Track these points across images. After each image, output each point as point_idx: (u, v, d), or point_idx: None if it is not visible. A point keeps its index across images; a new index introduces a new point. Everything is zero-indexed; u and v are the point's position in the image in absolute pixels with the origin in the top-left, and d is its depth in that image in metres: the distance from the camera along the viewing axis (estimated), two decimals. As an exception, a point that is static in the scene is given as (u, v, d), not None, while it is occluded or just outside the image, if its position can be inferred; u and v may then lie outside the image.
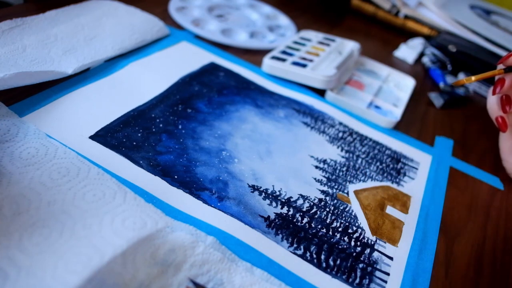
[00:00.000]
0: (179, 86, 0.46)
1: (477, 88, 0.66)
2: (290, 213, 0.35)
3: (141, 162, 0.35)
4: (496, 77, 0.43)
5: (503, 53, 0.70)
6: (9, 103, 0.37)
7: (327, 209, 0.36)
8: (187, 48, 0.53)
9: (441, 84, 0.62)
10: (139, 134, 0.38)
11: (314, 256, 0.32)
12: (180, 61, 0.50)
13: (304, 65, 0.52)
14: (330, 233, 0.34)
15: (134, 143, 0.37)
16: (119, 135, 0.37)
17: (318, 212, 0.36)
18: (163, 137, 0.39)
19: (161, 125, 0.40)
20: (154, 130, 0.39)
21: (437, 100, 0.58)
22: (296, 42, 0.59)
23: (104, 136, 0.36)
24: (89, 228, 0.27)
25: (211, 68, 0.51)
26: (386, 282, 0.32)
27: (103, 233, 0.26)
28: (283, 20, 0.69)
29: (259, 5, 0.71)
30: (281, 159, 0.40)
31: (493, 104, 0.44)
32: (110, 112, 0.39)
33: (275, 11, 0.71)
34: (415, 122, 0.53)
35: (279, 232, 0.33)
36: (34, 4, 0.52)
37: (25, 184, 0.29)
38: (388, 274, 0.32)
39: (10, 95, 0.37)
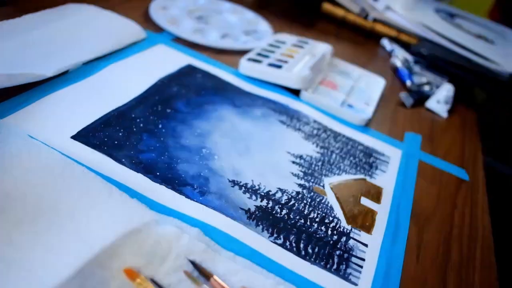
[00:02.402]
0: (158, 87, 0.47)
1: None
2: (270, 205, 0.36)
3: (123, 160, 0.36)
4: None
5: (469, 55, 0.74)
6: (-11, 105, 0.37)
7: (305, 201, 0.38)
8: (164, 51, 0.54)
9: (408, 82, 0.65)
10: (120, 134, 0.39)
11: (294, 245, 0.34)
12: (158, 63, 0.51)
13: (279, 66, 0.54)
14: (308, 223, 0.36)
15: (116, 142, 0.38)
16: (100, 135, 0.38)
17: (296, 204, 0.37)
18: (144, 136, 0.39)
19: (141, 125, 0.41)
20: (135, 129, 0.40)
21: (407, 100, 0.61)
22: (271, 45, 0.61)
23: (85, 136, 0.37)
24: (77, 222, 0.27)
25: (189, 70, 0.52)
26: (362, 267, 0.34)
27: (90, 227, 0.27)
28: (263, 25, 0.71)
29: (243, 11, 0.73)
30: (259, 155, 0.42)
31: None
32: (90, 112, 0.40)
33: (257, 17, 0.73)
34: (385, 119, 0.56)
35: (259, 223, 0.34)
36: (11, 8, 0.52)
37: (10, 183, 0.30)
38: (363, 259, 0.34)
39: (-10, 98, 0.37)
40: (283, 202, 0.37)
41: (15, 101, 0.38)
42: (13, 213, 0.28)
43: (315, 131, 0.48)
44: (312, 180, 0.41)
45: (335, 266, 0.33)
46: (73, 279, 0.25)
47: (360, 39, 0.81)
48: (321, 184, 0.41)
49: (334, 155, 0.45)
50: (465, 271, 0.37)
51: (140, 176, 0.35)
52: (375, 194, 0.42)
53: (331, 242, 0.35)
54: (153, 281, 0.27)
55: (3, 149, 0.32)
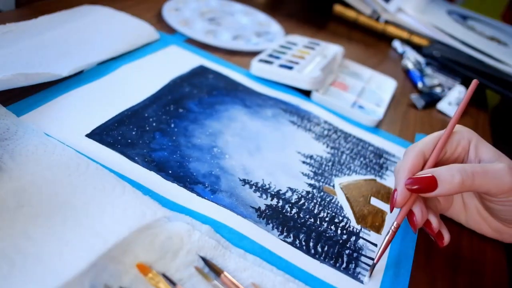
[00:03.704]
0: (171, 88, 0.47)
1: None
2: (280, 204, 0.37)
3: (136, 158, 0.37)
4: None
5: (482, 57, 0.74)
6: (6, 104, 0.38)
7: (314, 201, 0.38)
8: (176, 52, 0.55)
9: (419, 84, 0.65)
10: (134, 133, 0.40)
11: (303, 243, 0.34)
12: (170, 63, 0.52)
13: (290, 67, 0.54)
14: (318, 222, 0.36)
15: (129, 141, 0.38)
16: (114, 133, 0.39)
17: (306, 203, 0.38)
18: (156, 135, 0.40)
19: (154, 124, 0.41)
20: (147, 128, 0.41)
21: (418, 101, 0.61)
22: (282, 46, 0.61)
23: (100, 134, 0.38)
24: (91, 217, 0.28)
25: (201, 71, 0.53)
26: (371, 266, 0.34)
27: (105, 222, 0.28)
28: (274, 27, 0.71)
29: (254, 13, 0.74)
30: (270, 155, 0.42)
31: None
32: (105, 111, 0.41)
33: (269, 18, 0.73)
34: (396, 120, 0.56)
35: (269, 221, 0.35)
36: (27, 10, 0.54)
37: (27, 179, 0.31)
38: (373, 259, 0.34)
39: (7, 96, 0.38)
40: (293, 201, 0.38)
41: (32, 100, 0.39)
42: (30, 208, 0.28)
43: (325, 132, 0.48)
44: (322, 180, 0.41)
45: (344, 265, 0.33)
46: (87, 273, 0.25)
47: (372, 41, 0.81)
48: (331, 184, 0.41)
49: (344, 156, 0.45)
50: (475, 272, 0.37)
51: (152, 174, 0.36)
52: (385, 194, 0.42)
53: (341, 241, 0.35)
54: (165, 276, 0.27)
55: (20, 146, 0.33)
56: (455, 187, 0.32)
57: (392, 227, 0.33)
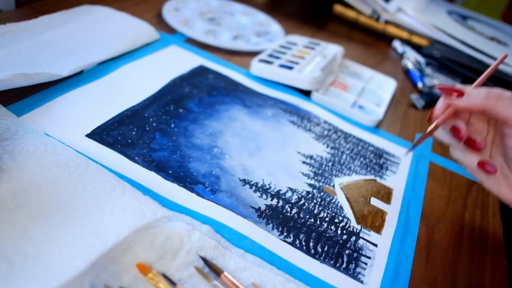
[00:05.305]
0: (171, 88, 0.47)
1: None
2: (280, 204, 0.37)
3: (136, 158, 0.37)
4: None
5: (482, 57, 0.74)
6: (6, 104, 0.38)
7: (315, 201, 0.38)
8: (176, 52, 0.55)
9: (419, 84, 0.65)
10: (134, 133, 0.40)
11: (303, 243, 0.34)
12: (170, 63, 0.52)
13: (290, 67, 0.54)
14: (318, 222, 0.36)
15: (129, 141, 0.38)
16: (114, 133, 0.39)
17: (306, 204, 0.38)
18: (156, 135, 0.40)
19: (154, 124, 0.41)
20: (147, 128, 0.41)
21: (418, 101, 0.61)
22: (282, 46, 0.61)
23: (100, 134, 0.38)
24: (91, 217, 0.28)
25: (201, 71, 0.53)
26: (371, 266, 0.34)
27: (105, 222, 0.28)
28: (274, 27, 0.71)
29: (254, 13, 0.74)
30: (270, 155, 0.42)
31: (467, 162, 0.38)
32: (105, 111, 0.41)
33: (269, 18, 0.73)
34: (396, 120, 0.56)
35: (269, 221, 0.35)
36: (27, 10, 0.54)
37: (27, 179, 0.31)
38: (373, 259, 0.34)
39: (7, 96, 0.38)
40: (293, 201, 0.38)
41: (32, 100, 0.39)
42: (29, 208, 0.28)
43: (325, 132, 0.48)
44: (322, 180, 0.41)
45: (344, 265, 0.33)
46: (87, 273, 0.25)
47: (372, 41, 0.81)
48: (331, 184, 0.41)
49: (344, 156, 0.45)
50: (475, 272, 0.37)
51: (152, 174, 0.36)
52: (385, 194, 0.42)
53: (341, 241, 0.35)
54: (165, 276, 0.27)
55: (20, 146, 0.33)
56: (480, 99, 0.35)
57: (431, 127, 0.37)
